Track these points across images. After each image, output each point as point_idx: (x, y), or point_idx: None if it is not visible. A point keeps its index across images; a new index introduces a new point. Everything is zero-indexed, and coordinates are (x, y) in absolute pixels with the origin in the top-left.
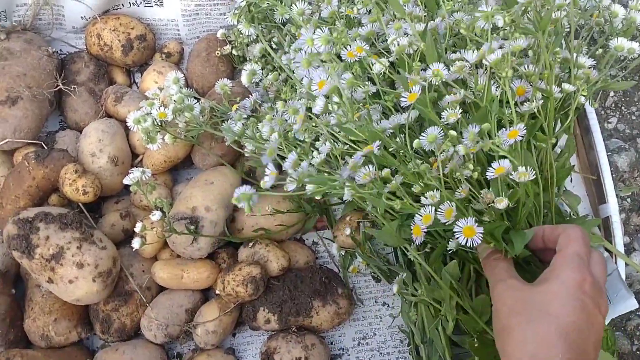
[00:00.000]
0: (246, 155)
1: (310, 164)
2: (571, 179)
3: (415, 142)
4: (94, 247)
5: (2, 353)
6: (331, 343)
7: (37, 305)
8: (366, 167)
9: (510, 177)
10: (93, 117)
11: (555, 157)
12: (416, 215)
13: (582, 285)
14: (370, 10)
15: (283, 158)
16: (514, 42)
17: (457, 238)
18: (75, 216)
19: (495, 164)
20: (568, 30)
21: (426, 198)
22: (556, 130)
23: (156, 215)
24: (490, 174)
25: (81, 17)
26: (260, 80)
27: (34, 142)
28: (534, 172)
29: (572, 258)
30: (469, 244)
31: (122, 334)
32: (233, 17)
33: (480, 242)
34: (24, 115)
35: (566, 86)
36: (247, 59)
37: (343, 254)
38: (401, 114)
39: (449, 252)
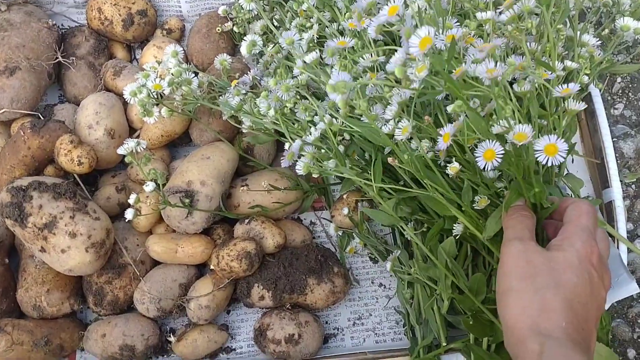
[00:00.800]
0: (244, 131)
1: (305, 141)
2: (572, 159)
3: None
4: (87, 218)
5: None
6: (326, 322)
7: (30, 276)
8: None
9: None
10: (92, 91)
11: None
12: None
13: (590, 257)
14: None
15: (281, 134)
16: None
17: (538, 157)
18: (70, 186)
19: None
20: (574, 12)
21: None
22: (558, 109)
23: (149, 187)
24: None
25: None
26: (261, 53)
27: (31, 113)
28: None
29: (583, 230)
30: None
31: (114, 307)
32: None
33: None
34: (21, 85)
35: (569, 63)
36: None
37: (340, 234)
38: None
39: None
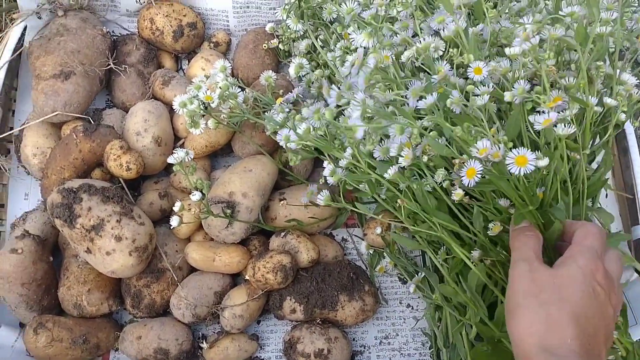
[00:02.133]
0: (284, 146)
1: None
2: (606, 194)
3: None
4: (133, 222)
5: (35, 318)
6: (353, 339)
7: (72, 275)
8: None
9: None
10: (139, 98)
11: (592, 172)
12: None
13: (594, 273)
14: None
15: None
16: (552, 31)
17: (510, 168)
18: (117, 191)
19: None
20: (613, 49)
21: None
22: (594, 144)
23: (196, 196)
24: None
25: (136, 0)
26: (306, 74)
27: (82, 116)
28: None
29: (587, 249)
30: (521, 173)
31: (151, 310)
32: (283, 12)
33: (532, 170)
34: (75, 90)
35: (608, 100)
36: (293, 54)
37: (371, 252)
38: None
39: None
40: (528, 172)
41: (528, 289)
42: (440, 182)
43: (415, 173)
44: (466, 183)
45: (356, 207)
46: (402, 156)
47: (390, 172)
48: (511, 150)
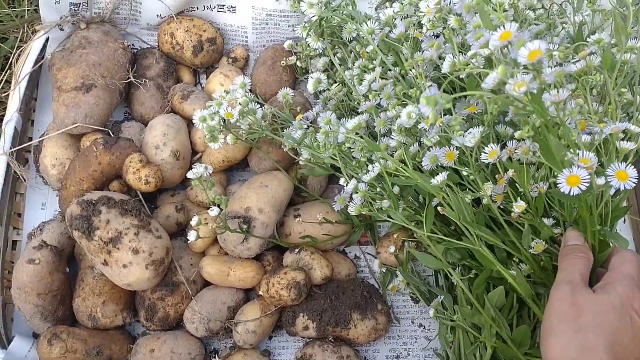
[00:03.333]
0: (300, 163)
1: (360, 180)
2: (624, 219)
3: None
4: (150, 236)
5: (50, 328)
6: (365, 358)
7: (87, 286)
8: None
9: None
10: (158, 112)
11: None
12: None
13: (632, 302)
14: (438, 35)
15: (336, 169)
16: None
17: (610, 182)
18: (136, 204)
19: None
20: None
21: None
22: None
23: (214, 211)
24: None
25: (157, 14)
26: (323, 91)
27: (102, 129)
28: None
29: (625, 276)
30: (622, 188)
31: (164, 324)
32: (303, 30)
33: (633, 185)
34: (95, 102)
35: (631, 127)
36: (310, 71)
37: (384, 271)
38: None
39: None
40: (628, 187)
41: (567, 312)
42: (482, 198)
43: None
44: (566, 191)
45: (389, 219)
46: (486, 153)
47: (439, 178)
48: (611, 165)
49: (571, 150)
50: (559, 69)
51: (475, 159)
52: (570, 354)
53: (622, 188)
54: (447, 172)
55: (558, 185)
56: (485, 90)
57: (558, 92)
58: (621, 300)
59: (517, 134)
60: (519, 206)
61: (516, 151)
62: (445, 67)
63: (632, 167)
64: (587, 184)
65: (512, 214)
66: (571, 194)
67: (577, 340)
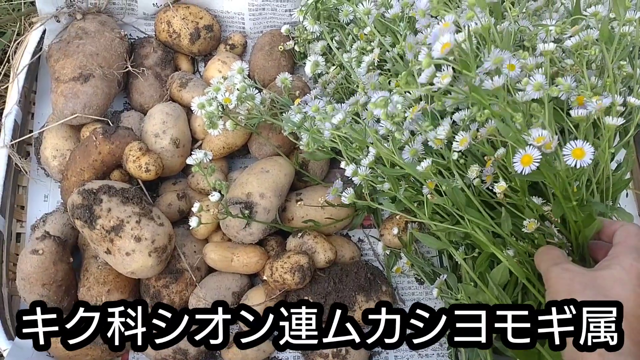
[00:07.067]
0: (301, 147)
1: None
2: (627, 194)
3: None
4: (152, 223)
5: None
6: None
7: (92, 276)
8: None
9: None
10: (157, 101)
11: (612, 171)
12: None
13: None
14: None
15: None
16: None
17: (566, 160)
18: (137, 192)
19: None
20: (632, 49)
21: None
22: (614, 144)
23: (215, 197)
24: None
25: (153, 3)
26: (322, 74)
27: (101, 119)
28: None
29: (632, 249)
30: (578, 166)
31: None
32: (299, 13)
33: (589, 163)
34: (94, 92)
35: (631, 99)
36: (308, 55)
37: (388, 253)
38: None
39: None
40: (585, 165)
41: (569, 287)
42: (471, 180)
43: (440, 171)
44: (519, 170)
45: (380, 206)
46: (457, 141)
47: (424, 164)
48: (569, 142)
49: (524, 132)
50: (497, 55)
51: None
52: None
53: (578, 166)
54: (431, 159)
55: (513, 165)
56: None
57: (492, 80)
58: (627, 273)
59: (478, 119)
60: (499, 187)
61: (480, 133)
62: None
63: (589, 144)
64: (537, 164)
65: (498, 195)
66: (524, 172)
67: None
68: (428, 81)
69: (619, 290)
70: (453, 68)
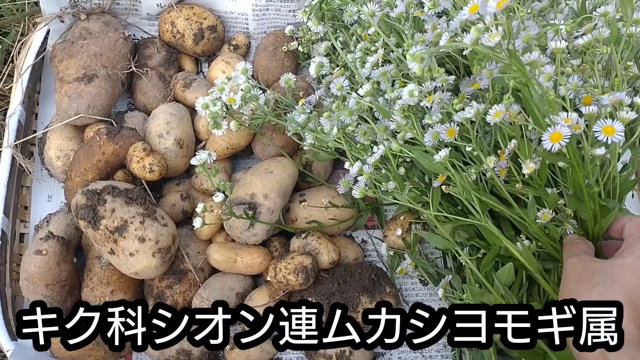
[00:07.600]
0: (305, 148)
1: (365, 162)
2: (632, 195)
3: None
4: (156, 224)
5: None
6: None
7: (95, 276)
8: None
9: None
10: (161, 101)
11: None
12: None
13: None
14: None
15: (341, 152)
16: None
17: (597, 136)
18: (141, 192)
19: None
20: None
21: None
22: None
23: (219, 197)
24: None
25: (157, 4)
26: (325, 75)
27: (105, 119)
28: None
29: None
30: (609, 142)
31: None
32: (303, 14)
33: (620, 139)
34: (98, 93)
35: (638, 100)
36: (312, 56)
37: (392, 254)
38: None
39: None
40: (616, 140)
41: (581, 275)
42: (487, 170)
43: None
44: (548, 147)
45: (389, 199)
46: (490, 115)
47: (442, 154)
48: (599, 120)
49: (552, 110)
50: (526, 33)
51: (476, 131)
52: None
53: (609, 142)
54: (449, 149)
55: (542, 143)
56: (466, 47)
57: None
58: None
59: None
60: (529, 167)
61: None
62: (443, 41)
63: (619, 122)
64: (567, 140)
65: (517, 186)
66: (553, 149)
67: (594, 295)
68: (473, 42)
69: (629, 276)
70: None
